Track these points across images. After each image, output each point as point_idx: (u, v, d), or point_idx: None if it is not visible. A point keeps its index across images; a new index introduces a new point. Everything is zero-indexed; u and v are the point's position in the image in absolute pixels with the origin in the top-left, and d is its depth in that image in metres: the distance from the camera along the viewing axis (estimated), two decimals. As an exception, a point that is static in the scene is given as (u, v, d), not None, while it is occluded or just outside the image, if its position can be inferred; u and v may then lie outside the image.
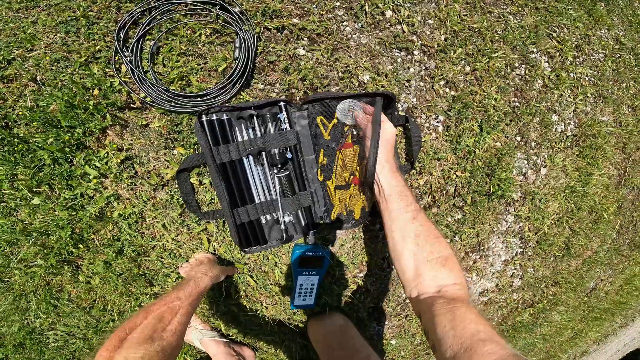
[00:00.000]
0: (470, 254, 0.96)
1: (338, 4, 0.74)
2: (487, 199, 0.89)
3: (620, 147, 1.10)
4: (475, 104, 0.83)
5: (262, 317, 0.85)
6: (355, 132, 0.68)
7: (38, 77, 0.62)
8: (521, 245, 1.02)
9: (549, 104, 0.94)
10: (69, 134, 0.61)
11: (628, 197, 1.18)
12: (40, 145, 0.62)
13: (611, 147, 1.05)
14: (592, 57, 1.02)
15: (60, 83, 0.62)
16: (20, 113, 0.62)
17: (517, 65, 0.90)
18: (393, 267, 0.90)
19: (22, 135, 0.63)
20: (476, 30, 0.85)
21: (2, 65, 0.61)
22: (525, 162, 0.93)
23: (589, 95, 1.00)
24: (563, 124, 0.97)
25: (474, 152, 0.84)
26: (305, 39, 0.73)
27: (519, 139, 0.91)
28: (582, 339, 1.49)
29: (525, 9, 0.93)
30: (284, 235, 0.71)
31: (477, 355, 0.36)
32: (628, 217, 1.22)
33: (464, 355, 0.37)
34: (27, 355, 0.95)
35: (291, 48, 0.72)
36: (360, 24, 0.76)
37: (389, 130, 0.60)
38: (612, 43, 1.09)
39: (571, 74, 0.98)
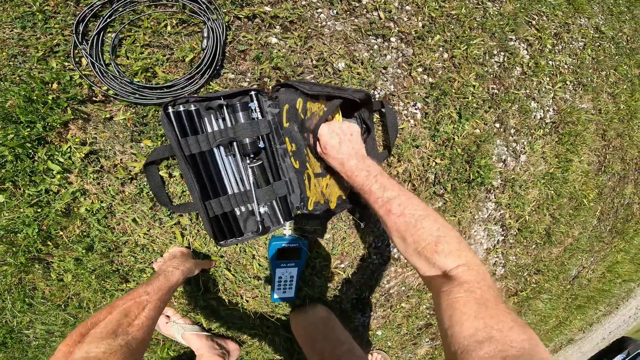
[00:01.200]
0: (452, 243, 0.97)
1: (310, -11, 0.72)
2: (467, 186, 0.89)
3: (599, 134, 1.12)
4: (454, 90, 0.82)
5: (243, 311, 0.85)
6: (329, 118, 0.66)
7: None
8: (502, 232, 1.03)
9: (527, 91, 0.94)
10: (29, 129, 0.59)
11: (608, 183, 1.20)
12: (0, 142, 0.60)
13: (590, 134, 1.05)
14: (571, 46, 1.02)
15: (18, 78, 0.60)
16: None
17: (495, 52, 0.89)
18: (375, 257, 0.90)
19: (-20, 131, 0.60)
20: (454, 17, 0.84)
21: None
22: (505, 148, 0.94)
23: (568, 82, 1.00)
24: (542, 111, 0.97)
25: (453, 139, 0.84)
26: (278, 27, 0.71)
27: (498, 125, 0.91)
28: (567, 327, 1.52)
29: (504, -5, 0.92)
30: (260, 226, 0.70)
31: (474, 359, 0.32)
32: (609, 203, 1.24)
33: (463, 357, 0.33)
34: (11, 354, 0.94)
35: (263, 36, 0.70)
36: (335, 11, 0.75)
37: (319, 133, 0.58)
38: (592, 32, 1.09)
39: (550, 62, 0.98)
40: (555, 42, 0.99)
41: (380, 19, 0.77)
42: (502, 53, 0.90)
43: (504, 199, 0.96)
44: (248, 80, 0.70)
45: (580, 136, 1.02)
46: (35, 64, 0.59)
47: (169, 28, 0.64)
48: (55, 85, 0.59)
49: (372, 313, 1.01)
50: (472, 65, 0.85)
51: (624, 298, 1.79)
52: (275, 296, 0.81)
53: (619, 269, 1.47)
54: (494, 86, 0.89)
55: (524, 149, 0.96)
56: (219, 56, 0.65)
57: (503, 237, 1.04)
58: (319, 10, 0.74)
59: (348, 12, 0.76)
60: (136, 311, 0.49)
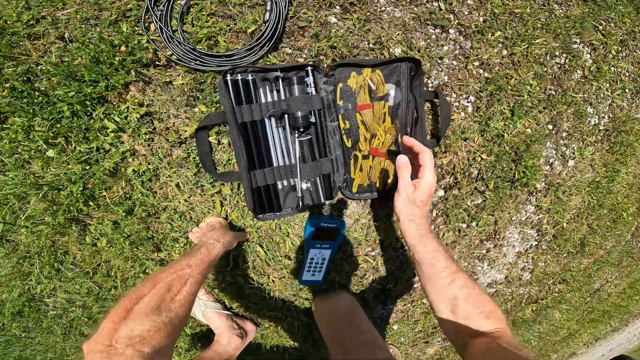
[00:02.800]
0: (484, 242, 1.00)
1: (375, -30, 0.75)
2: (510, 185, 0.92)
3: (651, 147, 1.13)
4: (510, 87, 0.85)
5: (267, 292, 0.90)
6: (372, 88, 0.70)
7: (66, 35, 0.64)
8: (537, 238, 1.06)
9: (585, 95, 0.96)
10: (92, 87, 0.64)
11: (651, 200, 1.22)
12: (60, 98, 0.65)
13: (642, 146, 1.07)
14: (635, 54, 1.03)
15: (88, 40, 0.64)
16: (44, 68, 0.64)
17: (557, 53, 0.91)
18: (406, 248, 0.94)
19: (43, 88, 0.65)
20: (518, 15, 0.86)
21: (31, 23, 0.63)
22: (554, 152, 0.96)
23: (627, 90, 1.02)
24: (597, 117, 0.99)
25: (503, 136, 0.87)
26: (338, 7, 0.74)
27: (550, 127, 0.94)
28: (574, 340, 1.57)
29: (572, 0, 0.93)
30: (300, 203, 0.74)
31: None
32: (646, 220, 1.26)
33: None
34: (25, 324, 0.98)
35: (323, 15, 0.73)
36: (396, -4, 0.77)
37: (427, 183, 0.56)
38: (658, 41, 1.10)
39: (612, 68, 0.99)
40: (620, 48, 1.00)
41: (441, 10, 0.80)
42: (564, 55, 0.92)
43: (545, 203, 0.99)
44: (304, 56, 0.73)
45: (631, 147, 1.04)
46: (106, 28, 0.64)
47: (233, -2, 0.68)
48: (123, 48, 0.63)
49: (392, 306, 1.06)
50: (532, 64, 0.87)
51: (636, 316, 1.83)
52: (304, 278, 0.86)
53: (640, 286, 1.50)
54: (552, 87, 0.91)
55: (573, 154, 0.98)
56: (279, 30, 0.69)
57: (537, 243, 1.07)
58: (380, -7, 0.77)
59: (408, 0, 0.78)
60: (178, 285, 0.50)
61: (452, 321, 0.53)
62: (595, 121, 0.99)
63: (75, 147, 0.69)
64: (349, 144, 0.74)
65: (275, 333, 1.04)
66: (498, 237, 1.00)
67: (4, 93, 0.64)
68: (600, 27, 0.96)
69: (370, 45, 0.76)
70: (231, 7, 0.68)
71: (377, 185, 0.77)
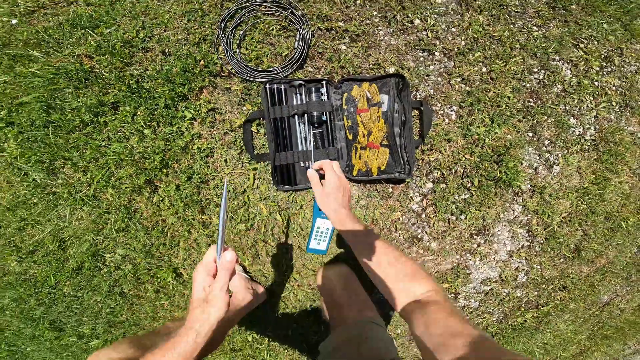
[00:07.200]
0: (474, 237, 1.25)
1: (375, 13, 1.16)
2: (494, 184, 1.19)
3: (649, 160, 1.31)
4: (488, 99, 1.16)
5: (280, 259, 1.25)
6: (369, 97, 1.07)
7: (166, 50, 1.13)
8: (528, 238, 1.28)
9: (567, 107, 1.22)
10: (181, 88, 1.10)
11: (660, 213, 1.35)
12: (159, 94, 1.12)
13: (635, 158, 1.27)
14: (622, 69, 1.27)
15: (180, 55, 1.12)
16: (150, 73, 1.13)
17: (535, 70, 1.21)
18: (399, 232, 1.24)
19: (148, 87, 1.13)
20: (497, 38, 1.19)
21: (146, 39, 1.14)
22: (537, 157, 1.22)
23: (614, 103, 1.25)
24: (581, 128, 1.23)
25: (484, 140, 1.17)
26: (347, 38, 1.15)
27: (531, 134, 1.21)
28: (587, 358, 1.59)
29: (552, 22, 1.24)
30: (311, 180, 1.11)
31: (451, 349, 0.47)
32: (658, 235, 1.38)
33: (440, 350, 0.49)
34: (78, 281, 1.40)
35: (335, 44, 1.15)
36: (391, 29, 1.17)
37: (328, 179, 0.83)
38: (649, 58, 1.32)
39: (595, 82, 1.24)
40: (605, 64, 1.25)
41: (428, 37, 1.17)
42: (542, 71, 1.21)
43: (531, 204, 1.23)
44: (321, 73, 1.14)
45: (621, 157, 1.24)
46: (191, 46, 1.12)
47: (274, 31, 1.13)
48: (202, 62, 1.10)
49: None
50: (509, 80, 1.18)
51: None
52: (310, 246, 1.19)
53: (657, 303, 1.52)
54: (531, 100, 1.20)
55: (557, 160, 1.23)
56: (304, 54, 1.11)
57: (529, 243, 1.28)
58: (379, 28, 1.17)
59: (401, 31, 1.17)
60: None
61: (390, 291, 0.68)
62: (579, 131, 1.23)
63: (162, 129, 1.15)
64: (350, 138, 1.11)
65: (283, 302, 1.36)
66: (487, 232, 1.25)
67: (124, 89, 1.13)
68: (582, 45, 1.23)
69: (370, 66, 1.15)
70: (272, 37, 1.12)
71: (372, 170, 1.12)
